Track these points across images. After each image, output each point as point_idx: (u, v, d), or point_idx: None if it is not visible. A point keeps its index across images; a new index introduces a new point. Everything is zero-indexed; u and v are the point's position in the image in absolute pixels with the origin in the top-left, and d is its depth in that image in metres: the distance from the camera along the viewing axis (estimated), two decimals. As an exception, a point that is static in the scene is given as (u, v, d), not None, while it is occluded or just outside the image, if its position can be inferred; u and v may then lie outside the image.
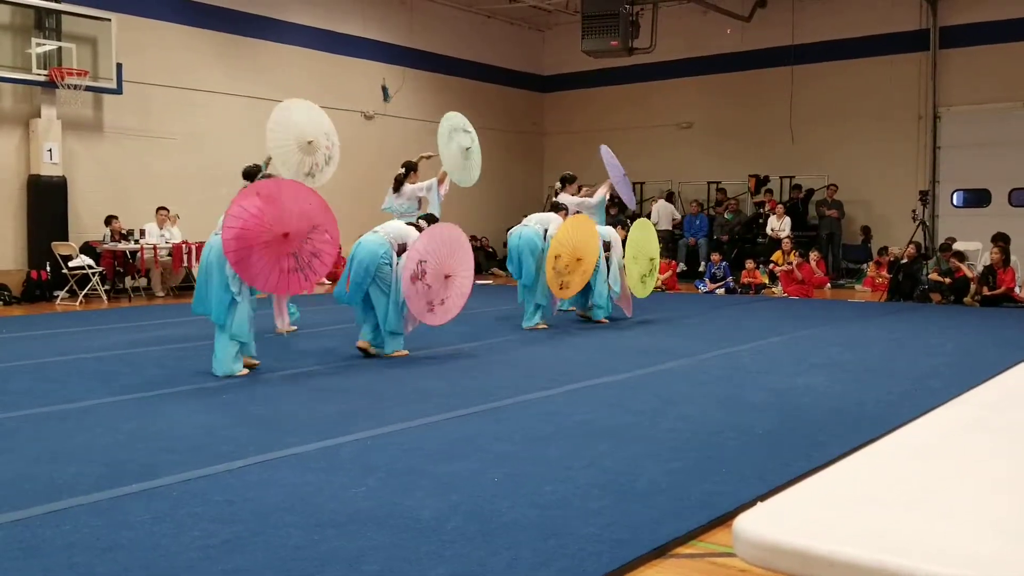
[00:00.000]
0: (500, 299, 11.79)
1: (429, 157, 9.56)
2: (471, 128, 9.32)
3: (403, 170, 9.09)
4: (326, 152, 8.66)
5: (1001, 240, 12.25)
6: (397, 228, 7.36)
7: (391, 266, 7.06)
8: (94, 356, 7.29)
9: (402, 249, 7.10)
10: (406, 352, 7.27)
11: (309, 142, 8.43)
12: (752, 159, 17.55)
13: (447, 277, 7.14)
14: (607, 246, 9.55)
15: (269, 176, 7.45)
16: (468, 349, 7.76)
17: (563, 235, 8.77)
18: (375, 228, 7.38)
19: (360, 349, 7.21)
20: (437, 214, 8.34)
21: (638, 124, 18.78)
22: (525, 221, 9.44)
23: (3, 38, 12.03)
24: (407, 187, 9.00)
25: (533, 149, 20.45)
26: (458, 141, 9.19)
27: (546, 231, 9.05)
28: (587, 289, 9.45)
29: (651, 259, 9.76)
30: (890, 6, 16.14)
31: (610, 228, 9.91)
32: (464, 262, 7.35)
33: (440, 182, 8.97)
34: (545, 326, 9.09)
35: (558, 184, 10.42)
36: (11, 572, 2.82)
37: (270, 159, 8.40)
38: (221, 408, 5.31)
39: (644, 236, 9.71)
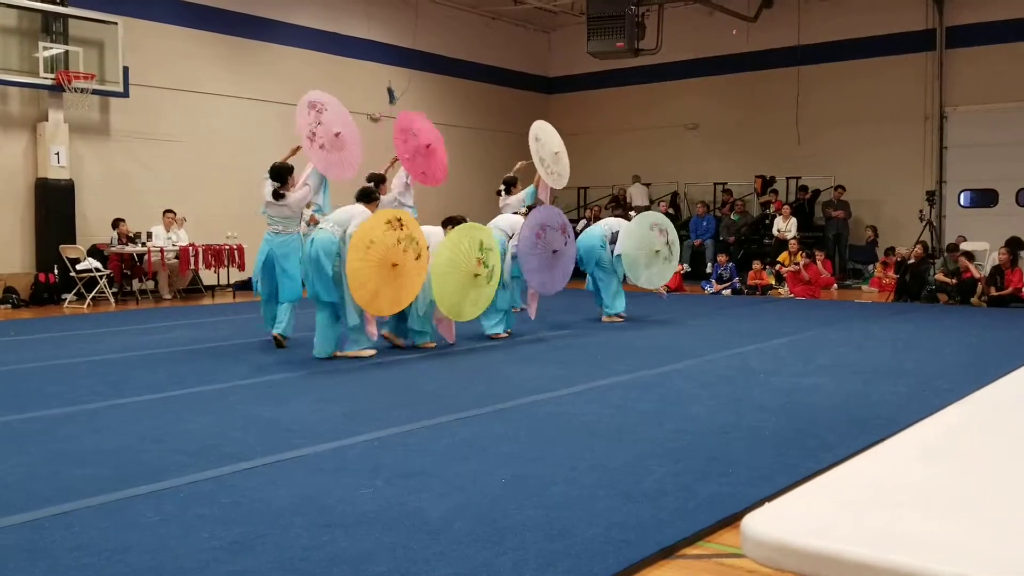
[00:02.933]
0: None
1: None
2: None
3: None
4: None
5: (1015, 244, 12.19)
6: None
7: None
8: (102, 359, 7.31)
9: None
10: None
11: (556, 152, 10.07)
12: (758, 160, 17.53)
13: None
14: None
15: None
16: (471, 350, 7.76)
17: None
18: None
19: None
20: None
21: (644, 125, 18.79)
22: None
23: (10, 42, 12.08)
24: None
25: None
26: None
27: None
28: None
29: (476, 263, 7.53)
30: (896, 6, 16.11)
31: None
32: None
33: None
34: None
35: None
36: (20, 573, 2.83)
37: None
38: (228, 410, 5.32)
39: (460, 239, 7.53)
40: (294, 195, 7.67)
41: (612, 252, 9.61)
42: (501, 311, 8.44)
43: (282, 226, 7.70)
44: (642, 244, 9.56)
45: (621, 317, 9.70)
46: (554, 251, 8.42)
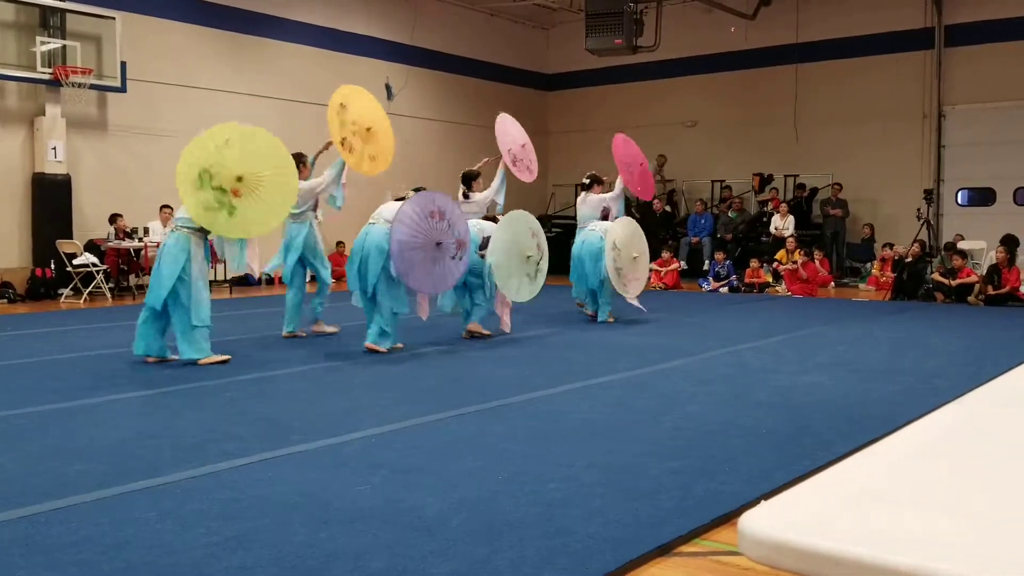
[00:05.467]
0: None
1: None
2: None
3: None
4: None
5: (1011, 242, 12.21)
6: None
7: None
8: (99, 354, 7.31)
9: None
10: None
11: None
12: (756, 158, 17.54)
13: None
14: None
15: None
16: (470, 347, 7.76)
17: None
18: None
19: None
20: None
21: (642, 122, 18.76)
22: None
23: (8, 36, 12.06)
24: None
25: (536, 148, 20.35)
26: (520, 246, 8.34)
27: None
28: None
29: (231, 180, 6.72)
30: (895, 4, 16.12)
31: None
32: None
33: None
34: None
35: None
36: (17, 569, 2.83)
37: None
38: (226, 406, 5.32)
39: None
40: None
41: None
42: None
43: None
44: (512, 248, 8.12)
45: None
46: (438, 243, 7.23)
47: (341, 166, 8.11)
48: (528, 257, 8.23)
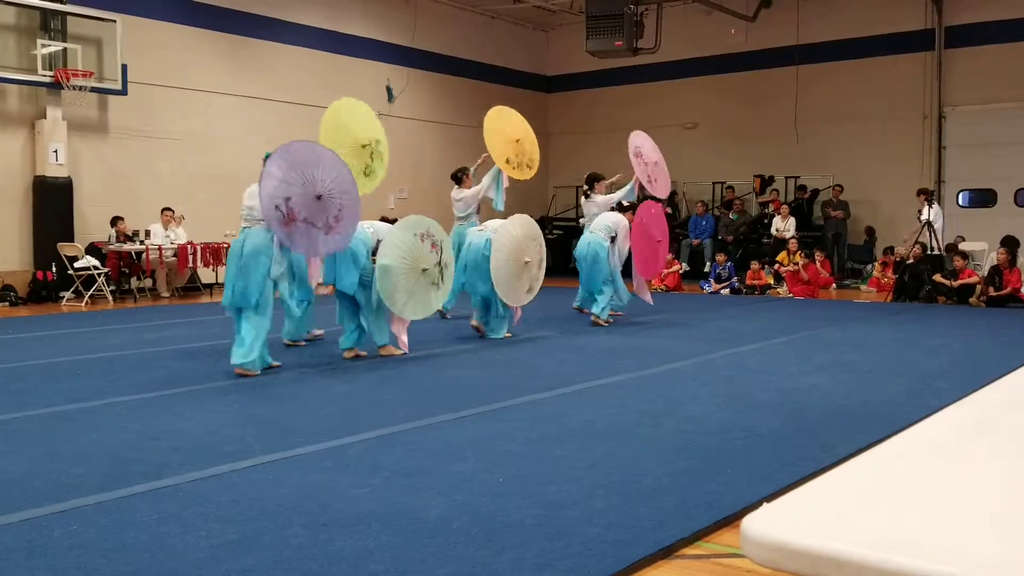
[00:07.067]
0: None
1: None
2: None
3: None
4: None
5: (1011, 243, 12.20)
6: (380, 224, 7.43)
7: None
8: (100, 357, 7.30)
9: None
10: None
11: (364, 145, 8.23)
12: (757, 159, 17.53)
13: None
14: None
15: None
16: (471, 350, 7.76)
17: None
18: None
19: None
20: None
21: (643, 124, 18.56)
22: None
23: (8, 39, 12.07)
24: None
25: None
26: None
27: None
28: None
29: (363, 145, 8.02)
30: (895, 6, 16.12)
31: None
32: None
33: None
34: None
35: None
36: (19, 571, 2.83)
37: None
38: (227, 408, 5.32)
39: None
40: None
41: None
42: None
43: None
44: (399, 254, 7.08)
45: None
46: (317, 196, 6.37)
47: (497, 172, 9.58)
48: (424, 270, 7.14)
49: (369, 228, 7.26)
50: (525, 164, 9.78)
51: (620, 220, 9.52)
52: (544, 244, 8.62)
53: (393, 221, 7.73)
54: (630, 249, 9.44)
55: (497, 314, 8.35)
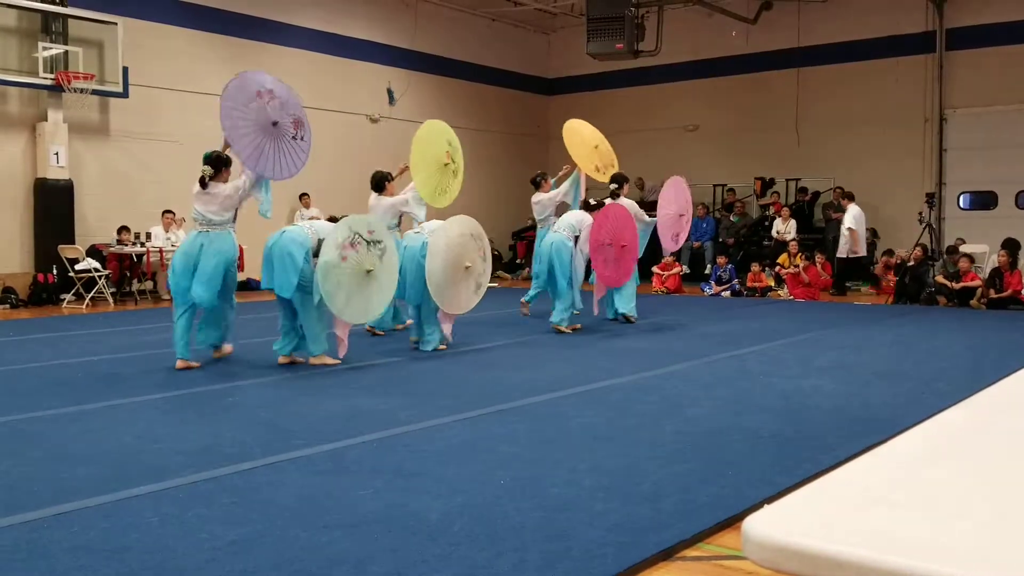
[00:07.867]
0: (504, 302, 11.79)
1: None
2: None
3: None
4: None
5: (1012, 245, 12.20)
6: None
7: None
8: (101, 359, 7.31)
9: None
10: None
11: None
12: (758, 162, 17.53)
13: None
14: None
15: None
16: (472, 352, 7.76)
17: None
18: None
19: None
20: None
21: (644, 127, 18.78)
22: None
23: (10, 42, 12.08)
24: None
25: (538, 152, 20.47)
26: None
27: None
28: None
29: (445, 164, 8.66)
30: (896, 8, 16.11)
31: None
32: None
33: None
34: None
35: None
36: (19, 573, 2.83)
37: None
38: (228, 411, 5.32)
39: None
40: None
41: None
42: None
43: None
44: (338, 260, 6.72)
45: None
46: (274, 123, 6.82)
47: (577, 178, 10.13)
48: (368, 271, 6.86)
49: (308, 228, 6.98)
50: (608, 166, 10.37)
51: (584, 219, 9.12)
52: (488, 244, 8.11)
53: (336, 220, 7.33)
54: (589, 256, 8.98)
55: (429, 321, 7.68)
